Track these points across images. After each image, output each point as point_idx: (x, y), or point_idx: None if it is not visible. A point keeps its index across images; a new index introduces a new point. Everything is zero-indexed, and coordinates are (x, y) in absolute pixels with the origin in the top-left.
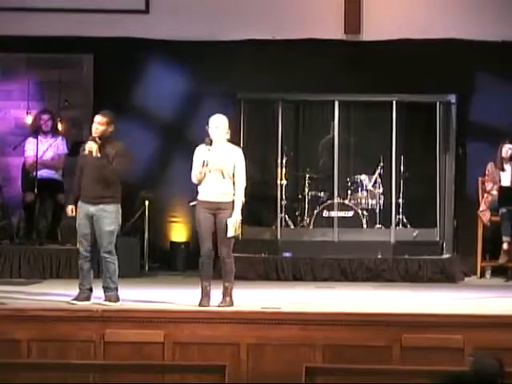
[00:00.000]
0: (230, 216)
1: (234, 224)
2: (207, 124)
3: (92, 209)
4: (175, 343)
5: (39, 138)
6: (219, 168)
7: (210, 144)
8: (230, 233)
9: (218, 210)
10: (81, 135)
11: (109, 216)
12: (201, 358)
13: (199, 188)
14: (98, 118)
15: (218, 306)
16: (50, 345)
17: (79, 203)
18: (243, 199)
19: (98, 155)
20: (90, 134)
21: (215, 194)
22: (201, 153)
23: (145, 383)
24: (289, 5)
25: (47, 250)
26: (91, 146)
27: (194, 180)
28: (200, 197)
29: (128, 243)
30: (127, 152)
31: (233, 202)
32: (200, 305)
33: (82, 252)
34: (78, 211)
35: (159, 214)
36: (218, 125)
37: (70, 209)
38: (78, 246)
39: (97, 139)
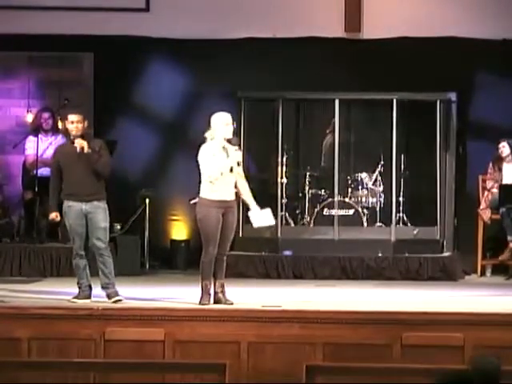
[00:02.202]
0: (235, 213)
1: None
2: (213, 122)
3: (85, 206)
4: (176, 341)
5: (40, 136)
6: (233, 166)
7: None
8: (269, 221)
9: (228, 208)
10: None
11: (102, 212)
12: (201, 356)
13: (213, 188)
14: (75, 117)
15: (227, 303)
16: (51, 343)
17: (69, 203)
18: None
19: (89, 151)
20: (68, 134)
21: (227, 194)
22: (220, 151)
23: (145, 382)
24: (289, 3)
25: (47, 249)
26: (82, 143)
27: (214, 178)
28: (214, 196)
29: (128, 241)
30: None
31: (237, 200)
32: (200, 303)
33: (78, 250)
34: (68, 211)
35: (159, 212)
36: (230, 122)
37: (54, 215)
38: (73, 244)
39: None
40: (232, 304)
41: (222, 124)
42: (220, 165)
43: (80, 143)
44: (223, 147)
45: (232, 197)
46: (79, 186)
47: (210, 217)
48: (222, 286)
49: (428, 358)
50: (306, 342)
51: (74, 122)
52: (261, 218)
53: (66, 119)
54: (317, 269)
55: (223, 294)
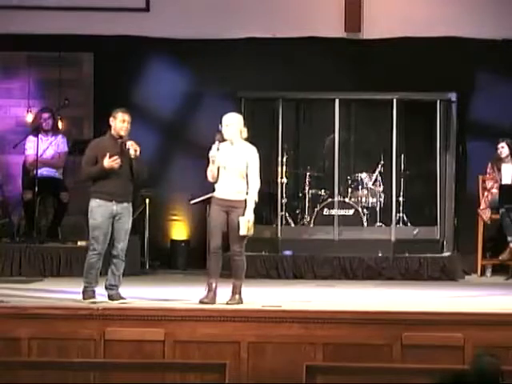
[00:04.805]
0: (243, 214)
1: (246, 223)
2: (220, 122)
3: (116, 207)
4: (176, 341)
5: (40, 136)
6: (231, 167)
7: (220, 142)
8: (242, 231)
9: (230, 207)
10: (81, 134)
11: (129, 214)
12: (201, 356)
13: (216, 186)
14: (127, 116)
15: (227, 304)
16: (51, 343)
17: (100, 202)
18: (256, 199)
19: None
20: (110, 130)
21: (228, 193)
22: (211, 151)
23: (145, 382)
24: (289, 3)
25: (48, 249)
26: (136, 146)
27: (209, 177)
28: (215, 194)
29: (128, 241)
30: None
31: (245, 200)
32: (200, 301)
33: (101, 250)
34: (98, 210)
35: (159, 212)
36: (228, 123)
37: (114, 158)
38: (93, 244)
39: None
40: (240, 303)
41: (222, 126)
42: (211, 165)
43: (134, 147)
44: (227, 147)
45: (232, 197)
46: (115, 185)
47: (212, 213)
48: (234, 286)
49: (428, 358)
50: (306, 342)
51: (125, 121)
52: (242, 227)
53: (114, 117)
54: (317, 269)
55: (232, 294)
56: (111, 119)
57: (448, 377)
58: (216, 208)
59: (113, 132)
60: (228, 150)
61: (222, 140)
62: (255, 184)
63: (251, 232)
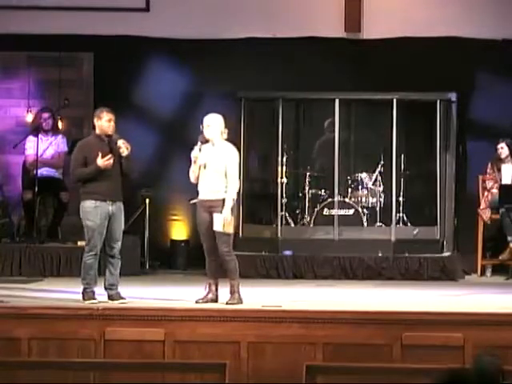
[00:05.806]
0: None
1: (221, 220)
2: (202, 123)
3: (111, 207)
4: (176, 341)
5: (39, 136)
6: (211, 167)
7: (203, 143)
8: (216, 227)
9: (211, 207)
10: (81, 133)
11: (122, 214)
12: (201, 356)
13: (198, 187)
14: (112, 115)
15: (227, 304)
16: (51, 343)
17: (96, 203)
18: (234, 197)
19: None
20: (94, 130)
21: (208, 192)
22: (193, 151)
23: (145, 382)
24: (289, 3)
25: (48, 249)
26: (128, 146)
27: (191, 178)
28: (199, 196)
29: (128, 241)
30: None
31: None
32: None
33: (97, 251)
34: (94, 211)
35: (159, 212)
36: (210, 123)
37: (108, 157)
38: (88, 244)
39: None
40: (240, 303)
41: (202, 125)
42: (193, 166)
43: (126, 145)
44: (208, 147)
45: (211, 196)
46: (108, 185)
47: (197, 217)
48: (231, 286)
49: (428, 358)
50: (306, 342)
51: (111, 120)
52: (216, 222)
53: (99, 117)
54: (317, 269)
55: (231, 293)
56: (96, 119)
57: (448, 376)
58: (200, 210)
59: (98, 132)
60: (209, 151)
61: (205, 141)
62: (234, 183)
63: (229, 230)
